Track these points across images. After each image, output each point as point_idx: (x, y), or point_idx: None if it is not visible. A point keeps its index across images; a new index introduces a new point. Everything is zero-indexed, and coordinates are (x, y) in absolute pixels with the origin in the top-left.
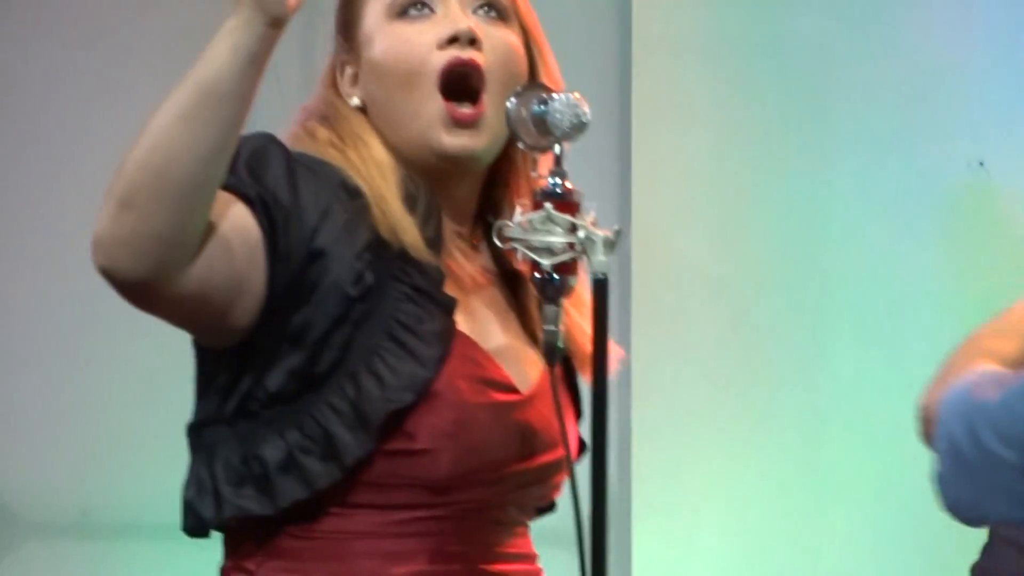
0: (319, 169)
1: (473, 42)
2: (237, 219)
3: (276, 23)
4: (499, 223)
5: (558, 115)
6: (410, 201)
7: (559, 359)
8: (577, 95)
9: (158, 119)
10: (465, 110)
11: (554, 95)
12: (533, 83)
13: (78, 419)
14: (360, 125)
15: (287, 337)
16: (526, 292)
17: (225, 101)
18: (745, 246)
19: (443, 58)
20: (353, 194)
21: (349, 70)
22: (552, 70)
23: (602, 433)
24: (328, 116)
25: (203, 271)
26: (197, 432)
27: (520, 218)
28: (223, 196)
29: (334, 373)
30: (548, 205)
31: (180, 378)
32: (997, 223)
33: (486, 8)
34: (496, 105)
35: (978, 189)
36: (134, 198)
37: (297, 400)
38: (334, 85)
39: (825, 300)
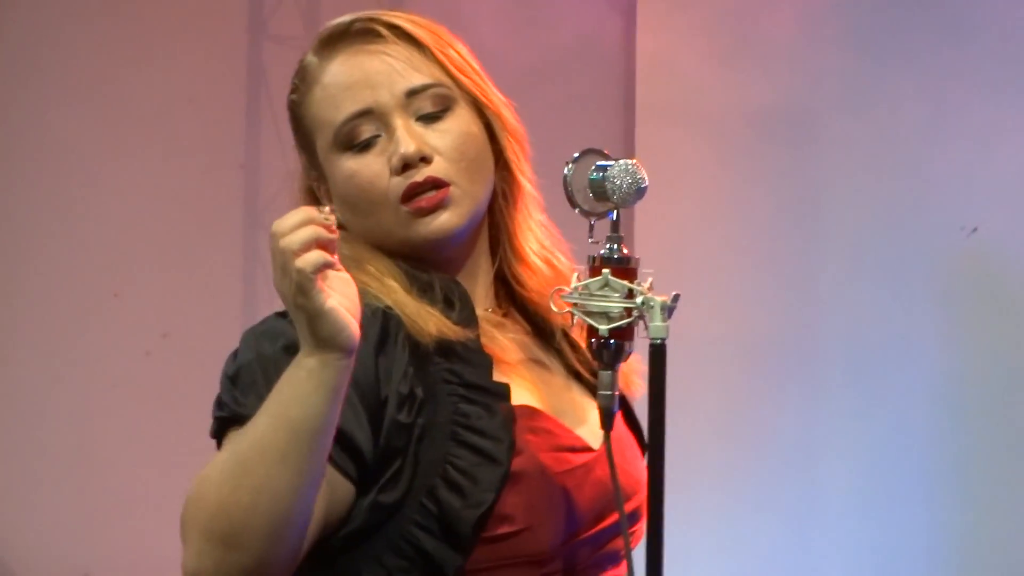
0: None
1: (424, 158)
2: None
3: (350, 353)
4: (555, 287)
5: (616, 181)
6: (425, 290)
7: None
8: (635, 161)
9: (252, 462)
10: (428, 196)
11: (611, 162)
12: (590, 150)
13: (81, 481)
14: (349, 246)
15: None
16: (558, 339)
17: (318, 436)
18: (737, 308)
19: (401, 185)
20: (378, 314)
21: (323, 187)
22: (508, 122)
23: (659, 499)
24: None
25: (299, 554)
26: None
27: (577, 283)
28: None
29: (411, 492)
30: (606, 271)
31: (184, 439)
32: (990, 287)
33: (428, 108)
34: (464, 183)
35: (972, 254)
36: (239, 538)
37: (386, 527)
38: (316, 200)
39: (819, 361)
